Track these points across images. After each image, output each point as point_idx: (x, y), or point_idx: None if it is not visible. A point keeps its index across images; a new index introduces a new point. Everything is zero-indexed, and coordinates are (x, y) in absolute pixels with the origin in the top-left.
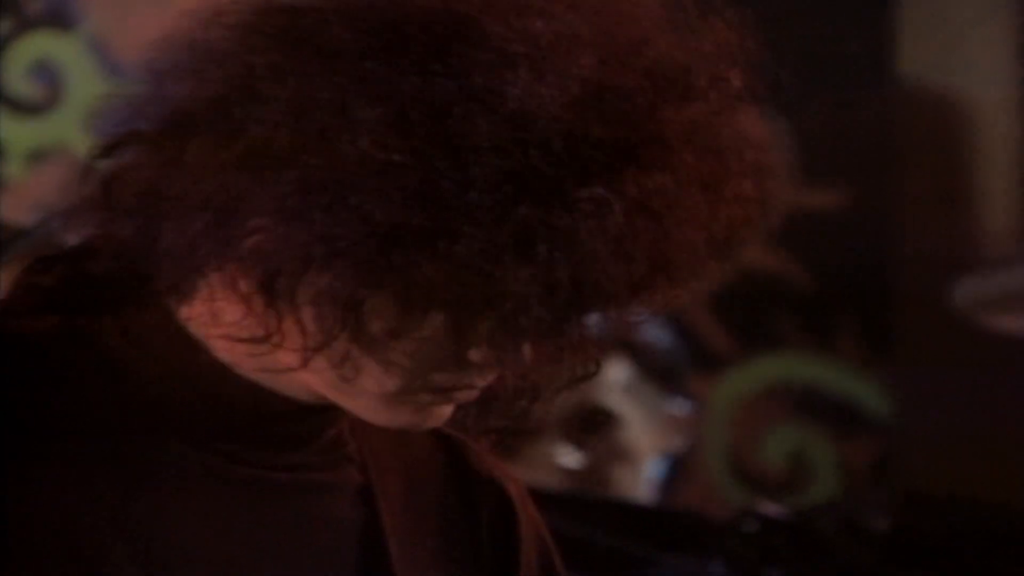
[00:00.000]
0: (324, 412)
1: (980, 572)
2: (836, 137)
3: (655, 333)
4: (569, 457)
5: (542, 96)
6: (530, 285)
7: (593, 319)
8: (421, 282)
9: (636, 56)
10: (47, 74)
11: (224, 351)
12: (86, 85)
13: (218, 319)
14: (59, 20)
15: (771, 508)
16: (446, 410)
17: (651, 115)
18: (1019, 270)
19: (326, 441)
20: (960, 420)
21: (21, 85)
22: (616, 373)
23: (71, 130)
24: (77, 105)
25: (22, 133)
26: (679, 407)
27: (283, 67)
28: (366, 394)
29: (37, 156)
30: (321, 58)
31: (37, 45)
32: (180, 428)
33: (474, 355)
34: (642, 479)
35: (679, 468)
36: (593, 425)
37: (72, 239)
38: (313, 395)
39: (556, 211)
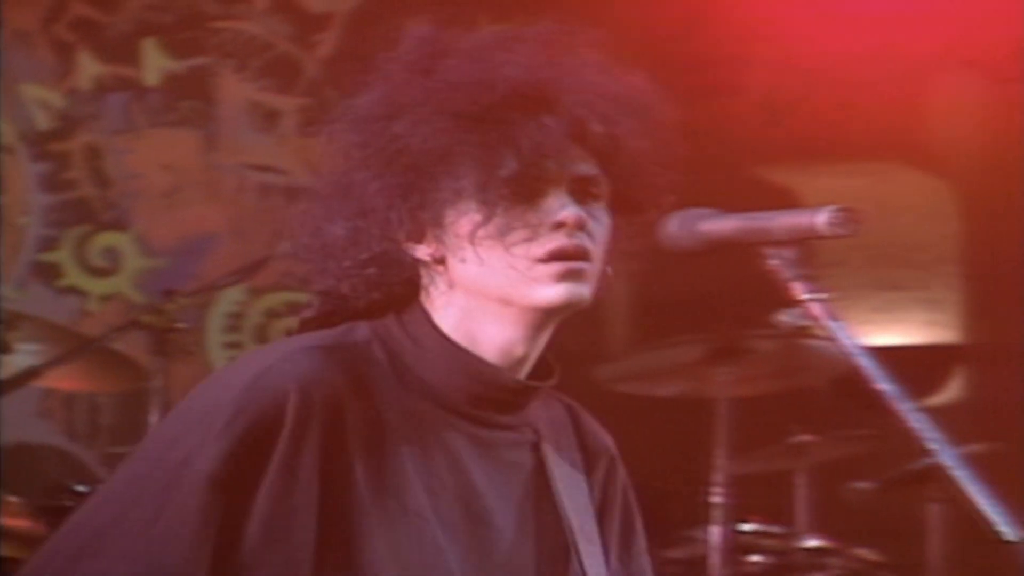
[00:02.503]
0: (529, 387)
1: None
2: None
3: None
4: None
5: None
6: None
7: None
8: (495, 185)
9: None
10: (112, 255)
11: (456, 335)
12: (134, 261)
13: (447, 299)
14: (119, 224)
15: None
16: (583, 288)
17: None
18: (629, 361)
19: (525, 409)
20: None
21: (97, 260)
22: None
23: (126, 286)
24: (129, 272)
25: (97, 287)
26: None
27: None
28: (515, 274)
29: (105, 299)
30: (400, 108)
31: (106, 239)
32: (442, 399)
33: (542, 216)
34: None
35: None
36: None
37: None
38: (518, 361)
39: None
